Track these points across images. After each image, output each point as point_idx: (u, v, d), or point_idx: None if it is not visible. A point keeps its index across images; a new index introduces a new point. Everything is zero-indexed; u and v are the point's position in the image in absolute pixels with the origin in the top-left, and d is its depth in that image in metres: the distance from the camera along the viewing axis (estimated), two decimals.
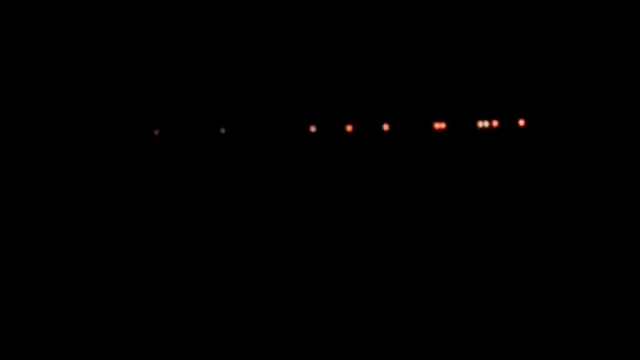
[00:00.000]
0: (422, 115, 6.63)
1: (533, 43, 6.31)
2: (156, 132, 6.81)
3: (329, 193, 6.24)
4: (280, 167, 6.58)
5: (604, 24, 6.09)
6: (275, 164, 6.64)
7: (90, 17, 6.31)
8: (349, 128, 6.67)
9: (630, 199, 5.78)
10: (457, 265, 5.68)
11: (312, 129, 6.74)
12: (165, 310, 5.33)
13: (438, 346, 4.65)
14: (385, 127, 6.65)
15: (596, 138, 6.01)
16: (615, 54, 6.09)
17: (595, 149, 5.98)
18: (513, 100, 6.44)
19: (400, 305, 5.21)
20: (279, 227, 6.21)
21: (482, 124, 6.53)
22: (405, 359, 4.51)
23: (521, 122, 6.41)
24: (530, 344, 4.59)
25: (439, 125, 6.62)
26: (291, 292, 5.43)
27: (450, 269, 5.63)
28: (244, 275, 5.80)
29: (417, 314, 5.08)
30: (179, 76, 6.73)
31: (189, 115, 6.81)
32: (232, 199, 6.34)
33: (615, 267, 5.43)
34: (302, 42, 6.63)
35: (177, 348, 4.86)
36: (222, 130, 6.70)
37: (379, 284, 5.55)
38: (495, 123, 6.49)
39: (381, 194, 6.23)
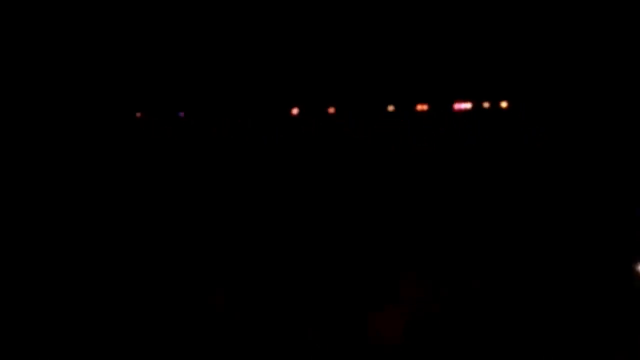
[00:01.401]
0: (405, 97, 6.63)
1: (519, 21, 6.31)
2: (138, 115, 6.76)
3: (322, 186, 6.23)
4: (263, 154, 6.53)
5: (591, 9, 6.11)
6: (258, 149, 6.59)
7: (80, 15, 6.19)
8: (331, 110, 6.66)
9: (623, 194, 5.84)
10: (455, 262, 5.73)
11: (294, 111, 6.72)
12: (164, 309, 5.33)
13: (438, 347, 4.73)
14: (370, 109, 6.65)
15: (586, 122, 6.02)
16: (605, 39, 6.10)
17: (585, 133, 6.00)
18: (495, 82, 6.45)
19: (399, 303, 5.28)
20: (276, 223, 6.19)
21: (464, 105, 6.55)
22: (405, 359, 4.59)
23: (503, 104, 6.45)
24: (530, 344, 4.69)
25: (421, 107, 6.63)
26: (291, 292, 5.46)
27: (449, 265, 5.68)
28: (242, 274, 5.80)
29: (415, 312, 5.15)
30: (160, 61, 6.64)
31: (170, 99, 6.74)
32: (223, 194, 6.29)
33: (614, 266, 5.51)
34: (285, 25, 6.57)
35: (177, 348, 4.88)
36: (203, 114, 6.64)
37: (378, 283, 5.59)
38: (477, 105, 6.51)
39: (372, 184, 6.23)
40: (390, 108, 6.64)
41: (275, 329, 5.47)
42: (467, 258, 5.72)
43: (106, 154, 6.60)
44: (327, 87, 6.72)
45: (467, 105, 6.50)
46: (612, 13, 6.01)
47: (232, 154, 6.65)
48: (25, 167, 6.25)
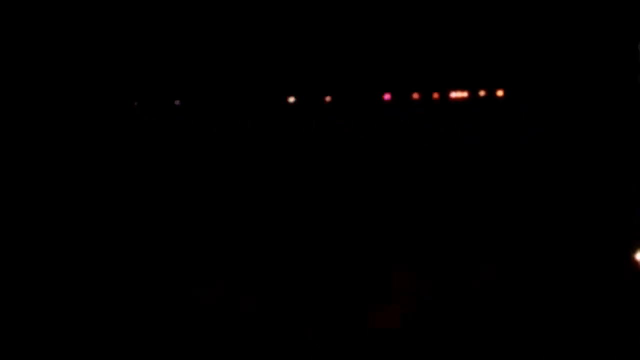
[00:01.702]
0: (401, 85, 6.61)
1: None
2: (135, 104, 6.75)
3: (319, 180, 6.19)
4: (260, 144, 6.50)
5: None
6: (252, 139, 6.56)
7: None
8: (327, 99, 6.65)
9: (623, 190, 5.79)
10: (453, 259, 5.72)
11: (291, 99, 6.71)
12: (163, 309, 5.36)
13: (436, 344, 4.76)
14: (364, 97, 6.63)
15: (584, 113, 5.95)
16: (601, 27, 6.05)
17: (583, 128, 5.93)
18: (491, 69, 6.42)
19: (396, 301, 5.30)
20: (274, 218, 6.17)
21: (459, 94, 6.52)
22: (403, 356, 4.64)
23: (499, 93, 6.42)
24: (528, 342, 4.72)
25: (417, 95, 6.62)
26: (289, 288, 5.48)
27: (447, 263, 5.67)
28: (240, 271, 5.82)
29: (413, 310, 5.16)
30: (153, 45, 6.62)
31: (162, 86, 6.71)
32: (219, 185, 6.27)
33: (611, 261, 5.48)
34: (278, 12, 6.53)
35: (177, 348, 4.92)
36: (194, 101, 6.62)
37: (376, 280, 5.60)
38: (470, 93, 6.48)
39: (369, 179, 6.19)
40: (386, 97, 6.64)
41: (275, 327, 5.50)
42: (465, 255, 5.73)
43: (103, 142, 6.60)
44: (323, 76, 6.70)
45: (463, 94, 6.48)
46: (610, 5, 5.96)
47: (229, 142, 6.65)
48: (22, 155, 6.26)
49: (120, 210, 6.24)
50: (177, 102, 6.76)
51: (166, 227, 6.15)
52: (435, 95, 6.47)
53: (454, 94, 6.46)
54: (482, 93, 6.42)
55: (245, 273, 5.70)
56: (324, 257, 5.85)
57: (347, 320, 5.18)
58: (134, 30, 6.60)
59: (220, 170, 6.54)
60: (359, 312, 5.24)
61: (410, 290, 5.39)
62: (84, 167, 6.44)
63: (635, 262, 5.45)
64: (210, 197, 6.34)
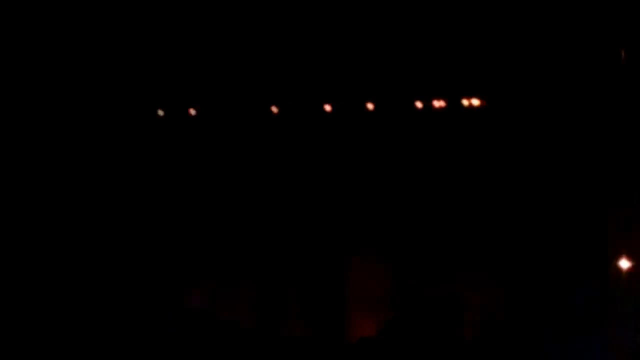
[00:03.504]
0: (385, 94, 6.59)
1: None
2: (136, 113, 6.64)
3: (301, 188, 6.10)
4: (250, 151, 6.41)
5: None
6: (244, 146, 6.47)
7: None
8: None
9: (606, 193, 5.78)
10: (435, 263, 5.66)
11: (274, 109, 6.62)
12: (163, 308, 5.29)
13: (412, 345, 4.76)
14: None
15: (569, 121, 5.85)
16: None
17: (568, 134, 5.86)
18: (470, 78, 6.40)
19: (375, 302, 5.26)
20: (272, 223, 6.09)
21: (439, 103, 6.50)
22: (405, 359, 4.65)
23: (475, 102, 6.39)
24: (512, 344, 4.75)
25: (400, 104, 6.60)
26: (293, 291, 5.42)
27: (428, 266, 5.61)
28: (226, 274, 5.74)
29: (391, 312, 5.10)
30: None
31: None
32: (215, 194, 6.18)
33: (596, 262, 5.47)
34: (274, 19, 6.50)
35: (176, 347, 4.89)
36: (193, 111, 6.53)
37: (355, 282, 5.54)
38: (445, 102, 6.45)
39: (368, 182, 6.10)
40: (370, 106, 6.60)
41: (259, 327, 5.44)
42: (446, 259, 5.70)
43: (98, 152, 6.47)
44: (309, 87, 6.64)
45: (445, 103, 6.47)
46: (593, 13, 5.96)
47: (227, 152, 6.51)
48: (30, 165, 6.14)
49: (116, 216, 6.15)
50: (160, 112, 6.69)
51: (159, 234, 6.06)
52: (419, 105, 6.45)
53: (438, 103, 6.45)
54: (465, 102, 6.41)
55: (237, 278, 5.65)
56: (308, 263, 5.78)
57: (329, 323, 5.10)
58: (135, 41, 6.54)
59: (217, 175, 6.41)
60: (340, 318, 5.18)
61: (391, 297, 5.35)
62: (87, 170, 6.30)
63: (618, 268, 5.47)
64: (203, 204, 6.25)
